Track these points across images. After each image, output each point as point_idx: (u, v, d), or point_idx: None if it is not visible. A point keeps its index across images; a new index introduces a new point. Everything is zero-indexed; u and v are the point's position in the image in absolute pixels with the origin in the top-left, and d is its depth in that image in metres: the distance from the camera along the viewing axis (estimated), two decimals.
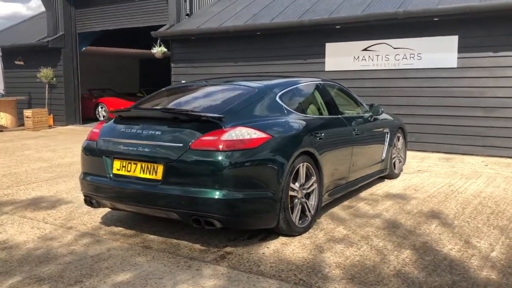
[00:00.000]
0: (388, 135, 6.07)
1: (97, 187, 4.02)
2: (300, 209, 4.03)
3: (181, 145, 3.58)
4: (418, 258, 3.56)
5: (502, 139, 8.28)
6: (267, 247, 3.80)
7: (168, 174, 3.59)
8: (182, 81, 11.58)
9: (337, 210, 4.89)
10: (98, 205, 4.12)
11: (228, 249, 3.77)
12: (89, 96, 16.91)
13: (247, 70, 10.85)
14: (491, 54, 8.27)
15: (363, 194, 5.61)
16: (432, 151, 8.87)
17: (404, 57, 9.02)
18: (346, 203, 5.18)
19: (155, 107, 4.31)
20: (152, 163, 3.70)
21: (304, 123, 4.25)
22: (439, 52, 8.67)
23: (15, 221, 4.58)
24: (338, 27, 9.38)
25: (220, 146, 3.49)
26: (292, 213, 3.90)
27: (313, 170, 4.18)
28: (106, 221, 4.56)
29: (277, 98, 4.22)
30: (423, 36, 8.78)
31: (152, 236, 4.08)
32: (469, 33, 8.38)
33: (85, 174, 4.18)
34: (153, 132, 3.76)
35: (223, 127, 3.61)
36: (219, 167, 3.46)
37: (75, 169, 7.32)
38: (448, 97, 8.66)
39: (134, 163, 3.79)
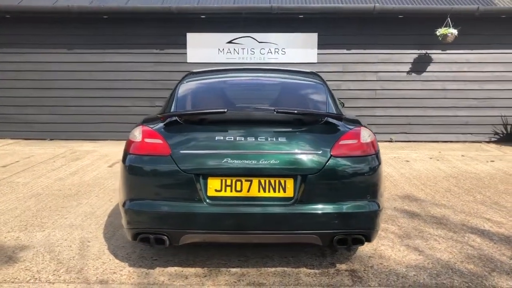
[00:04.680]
0: None
1: (179, 217, 2.95)
2: None
3: (320, 152, 2.97)
4: None
5: None
6: (371, 257, 3.54)
7: (306, 190, 2.93)
8: None
9: None
10: (170, 241, 3.03)
11: (341, 266, 3.36)
12: None
13: (87, 59, 9.30)
14: (345, 51, 9.34)
15: None
16: None
17: (269, 51, 9.30)
18: None
19: (225, 108, 3.32)
20: (277, 178, 2.94)
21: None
22: (302, 48, 9.28)
23: None
24: (203, 17, 8.97)
25: (363, 151, 3.06)
26: None
27: None
28: (134, 261, 3.40)
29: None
30: (287, 32, 9.22)
31: (234, 270, 3.28)
32: (327, 31, 9.23)
33: (145, 203, 3.00)
34: (273, 139, 2.98)
35: (351, 128, 3.17)
36: (369, 175, 3.04)
37: None
38: None
39: (246, 180, 2.94)
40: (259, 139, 2.99)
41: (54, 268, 3.29)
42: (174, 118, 3.22)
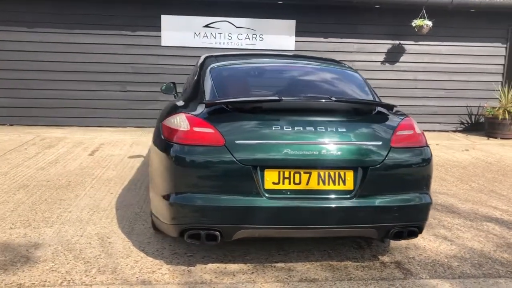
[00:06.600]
0: None
1: (236, 211, 2.77)
2: None
3: (380, 143, 2.89)
4: None
5: None
6: (407, 248, 3.53)
7: (367, 182, 2.83)
8: None
9: None
10: (222, 237, 2.84)
11: (384, 258, 3.32)
12: None
13: (52, 39, 8.65)
14: (322, 39, 9.32)
15: None
16: None
17: (247, 37, 9.10)
18: None
19: (276, 96, 3.02)
20: (337, 170, 2.83)
21: None
22: (280, 35, 9.15)
23: None
24: None
25: (418, 142, 3.03)
26: None
27: None
28: (168, 259, 3.18)
29: None
30: (265, 17, 9.04)
31: (278, 265, 3.15)
32: (305, 19, 9.15)
33: (196, 196, 2.78)
34: (333, 129, 2.86)
35: (402, 118, 3.11)
36: (424, 167, 3.00)
37: None
38: None
39: (305, 172, 2.80)
40: (318, 129, 2.86)
41: (84, 269, 3.00)
42: (219, 106, 3.00)
